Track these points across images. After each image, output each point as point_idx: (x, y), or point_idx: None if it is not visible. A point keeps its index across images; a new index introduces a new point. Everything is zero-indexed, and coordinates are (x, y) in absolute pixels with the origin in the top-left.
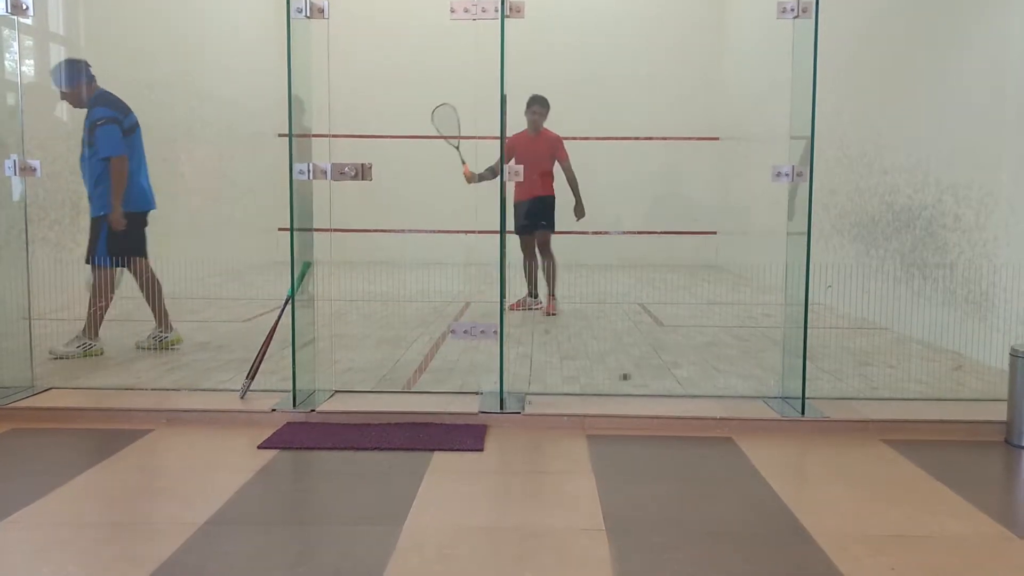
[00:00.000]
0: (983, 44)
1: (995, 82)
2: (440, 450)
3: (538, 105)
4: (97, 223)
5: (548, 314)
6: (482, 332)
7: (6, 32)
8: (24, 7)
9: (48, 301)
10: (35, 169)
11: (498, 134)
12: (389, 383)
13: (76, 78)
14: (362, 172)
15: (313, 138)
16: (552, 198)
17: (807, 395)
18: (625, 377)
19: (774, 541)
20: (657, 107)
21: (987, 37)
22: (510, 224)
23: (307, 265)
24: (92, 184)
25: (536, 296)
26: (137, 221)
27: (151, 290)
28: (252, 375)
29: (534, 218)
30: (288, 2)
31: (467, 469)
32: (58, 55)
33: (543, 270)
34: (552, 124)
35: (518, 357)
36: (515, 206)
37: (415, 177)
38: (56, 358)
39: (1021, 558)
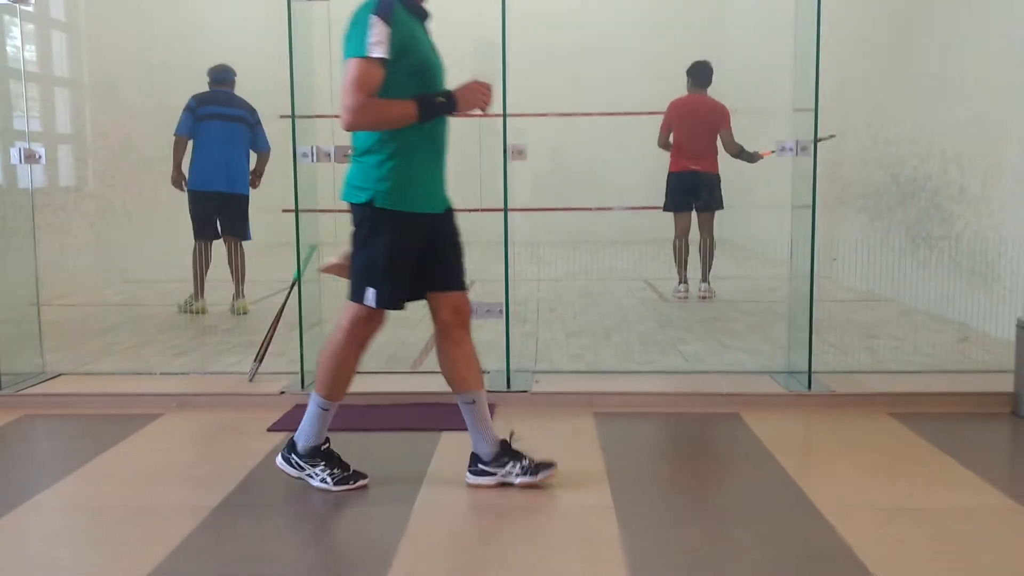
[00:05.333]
0: (988, 13)
1: (1000, 52)
2: (448, 430)
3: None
4: None
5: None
6: (488, 311)
7: (7, 19)
8: None
9: (56, 287)
10: (40, 157)
11: (500, 112)
12: (396, 363)
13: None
14: None
15: (316, 119)
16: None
17: (813, 369)
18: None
19: (782, 515)
20: (660, 80)
21: (991, 6)
22: (516, 201)
23: (312, 248)
24: None
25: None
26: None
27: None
28: (260, 358)
29: None
30: None
31: None
32: (60, 41)
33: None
34: (556, 99)
35: (523, 335)
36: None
37: None
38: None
39: None
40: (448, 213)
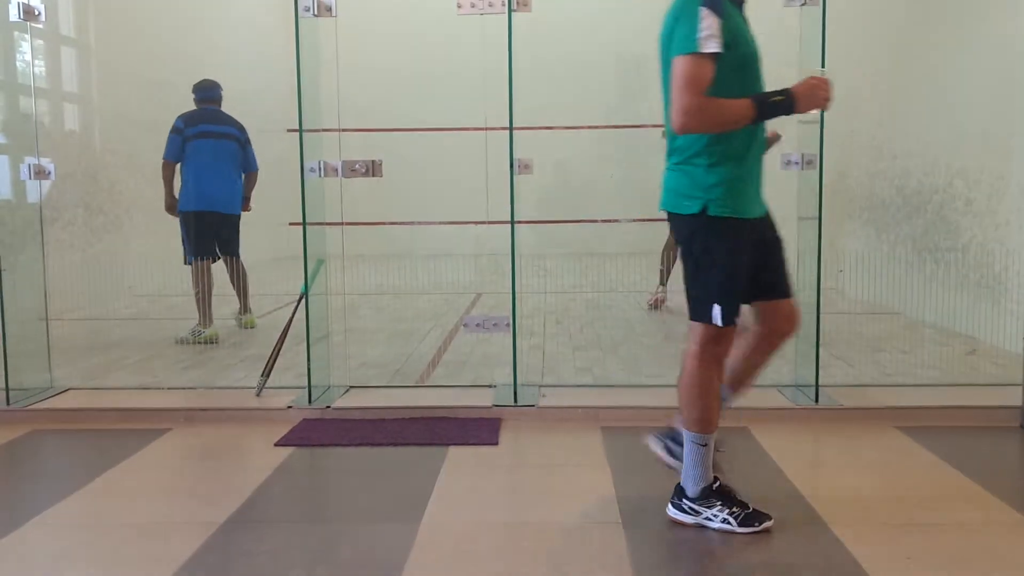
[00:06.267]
0: (993, 27)
1: (1005, 65)
2: (455, 444)
3: None
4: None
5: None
6: (494, 325)
7: (17, 35)
8: (36, 13)
9: (64, 301)
10: (49, 172)
11: (507, 125)
12: (403, 378)
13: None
14: (373, 168)
15: (323, 132)
16: None
17: (820, 383)
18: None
19: (790, 531)
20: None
21: (996, 20)
22: (523, 214)
23: (320, 263)
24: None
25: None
26: (183, 220)
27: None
28: (267, 372)
29: None
30: (296, 1)
31: (482, 463)
32: (69, 57)
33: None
34: (565, 115)
35: (530, 348)
36: None
37: (425, 169)
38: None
39: None
40: (768, 217)
